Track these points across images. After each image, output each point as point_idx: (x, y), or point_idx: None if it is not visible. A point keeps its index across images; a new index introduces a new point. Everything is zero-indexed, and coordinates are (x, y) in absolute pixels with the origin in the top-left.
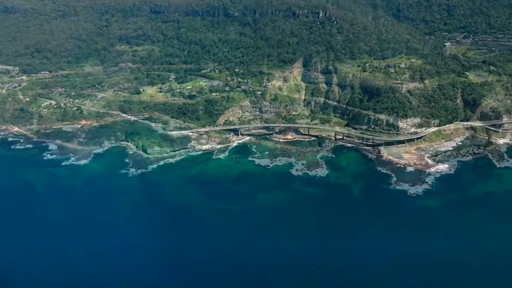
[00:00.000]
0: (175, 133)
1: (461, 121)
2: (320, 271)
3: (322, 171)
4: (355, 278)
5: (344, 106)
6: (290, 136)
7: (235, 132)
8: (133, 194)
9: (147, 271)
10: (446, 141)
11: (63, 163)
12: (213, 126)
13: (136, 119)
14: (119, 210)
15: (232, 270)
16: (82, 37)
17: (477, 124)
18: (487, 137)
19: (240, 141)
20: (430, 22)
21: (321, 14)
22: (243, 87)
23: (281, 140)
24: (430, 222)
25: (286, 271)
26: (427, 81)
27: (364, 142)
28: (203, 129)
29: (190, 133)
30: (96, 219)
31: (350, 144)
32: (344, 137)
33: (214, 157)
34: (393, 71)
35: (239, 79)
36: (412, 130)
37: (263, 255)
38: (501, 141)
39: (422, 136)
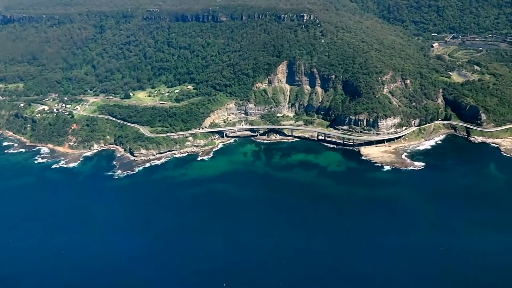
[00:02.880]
0: (161, 136)
1: (442, 120)
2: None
3: None
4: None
5: (326, 107)
6: (274, 137)
7: (220, 134)
8: (116, 194)
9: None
10: (426, 140)
11: (53, 166)
12: (199, 129)
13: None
14: (98, 209)
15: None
16: (78, 43)
17: (458, 123)
18: (466, 136)
19: (225, 143)
20: (420, 23)
21: (305, 18)
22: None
23: (265, 142)
24: None
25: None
26: (408, 81)
27: (345, 142)
28: (189, 132)
29: (176, 136)
30: (76, 218)
31: (331, 145)
32: (326, 138)
33: (198, 159)
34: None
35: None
36: (392, 130)
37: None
38: (479, 139)
39: (402, 136)
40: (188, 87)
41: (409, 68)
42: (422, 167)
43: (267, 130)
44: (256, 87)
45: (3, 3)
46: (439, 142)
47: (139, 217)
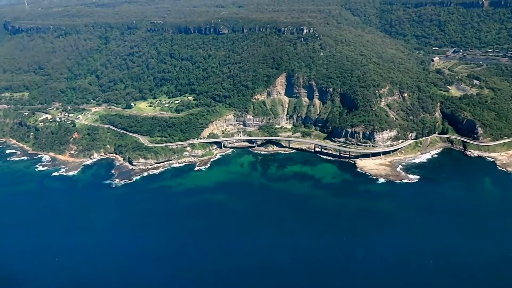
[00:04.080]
0: (160, 146)
1: (439, 134)
2: None
3: None
4: None
5: (324, 119)
6: (271, 149)
7: (218, 144)
8: (111, 202)
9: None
10: (422, 154)
11: (53, 174)
12: (197, 139)
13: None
14: (92, 217)
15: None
16: (83, 54)
17: (454, 137)
18: (462, 149)
19: (223, 154)
20: (421, 37)
21: (305, 31)
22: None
23: (262, 153)
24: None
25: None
26: (406, 95)
27: (341, 154)
28: (187, 142)
29: (175, 146)
30: (67, 225)
31: (327, 157)
32: (323, 150)
33: (195, 169)
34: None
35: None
36: (388, 142)
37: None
38: (476, 153)
39: (398, 149)
40: (189, 97)
41: (407, 81)
42: (417, 180)
43: (264, 142)
44: (255, 98)
45: (13, 14)
46: (435, 155)
47: (132, 226)
